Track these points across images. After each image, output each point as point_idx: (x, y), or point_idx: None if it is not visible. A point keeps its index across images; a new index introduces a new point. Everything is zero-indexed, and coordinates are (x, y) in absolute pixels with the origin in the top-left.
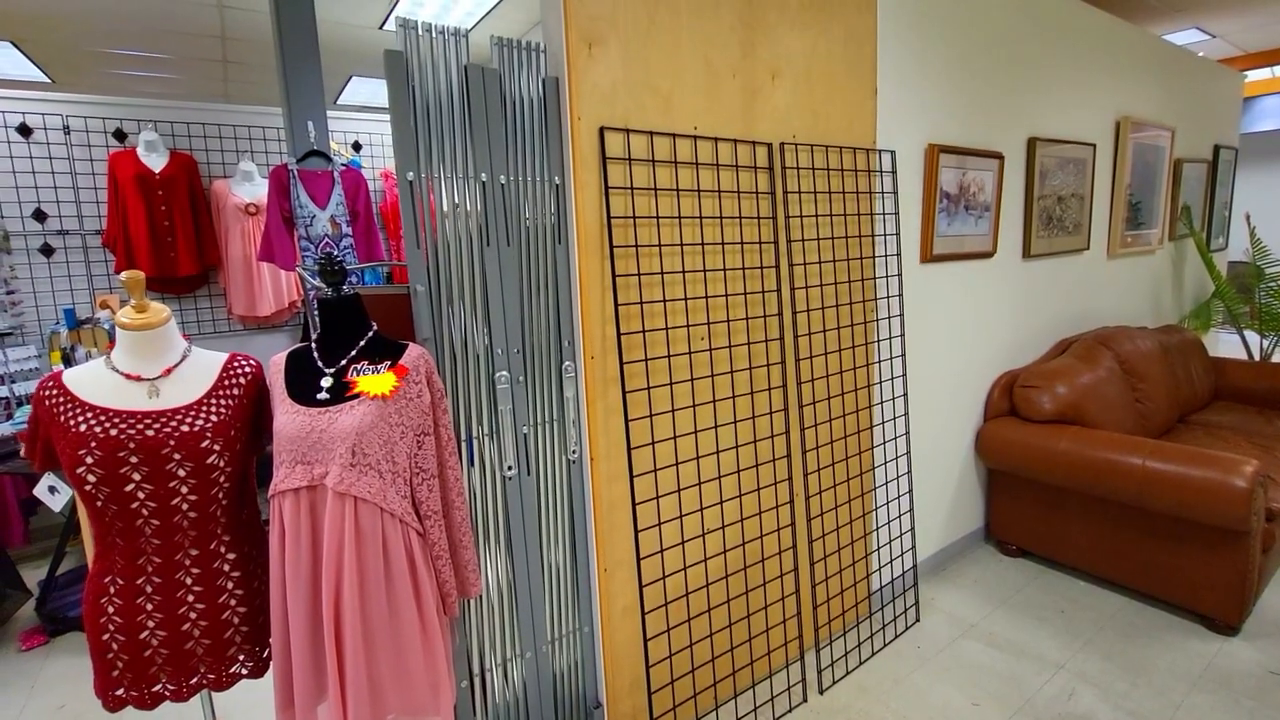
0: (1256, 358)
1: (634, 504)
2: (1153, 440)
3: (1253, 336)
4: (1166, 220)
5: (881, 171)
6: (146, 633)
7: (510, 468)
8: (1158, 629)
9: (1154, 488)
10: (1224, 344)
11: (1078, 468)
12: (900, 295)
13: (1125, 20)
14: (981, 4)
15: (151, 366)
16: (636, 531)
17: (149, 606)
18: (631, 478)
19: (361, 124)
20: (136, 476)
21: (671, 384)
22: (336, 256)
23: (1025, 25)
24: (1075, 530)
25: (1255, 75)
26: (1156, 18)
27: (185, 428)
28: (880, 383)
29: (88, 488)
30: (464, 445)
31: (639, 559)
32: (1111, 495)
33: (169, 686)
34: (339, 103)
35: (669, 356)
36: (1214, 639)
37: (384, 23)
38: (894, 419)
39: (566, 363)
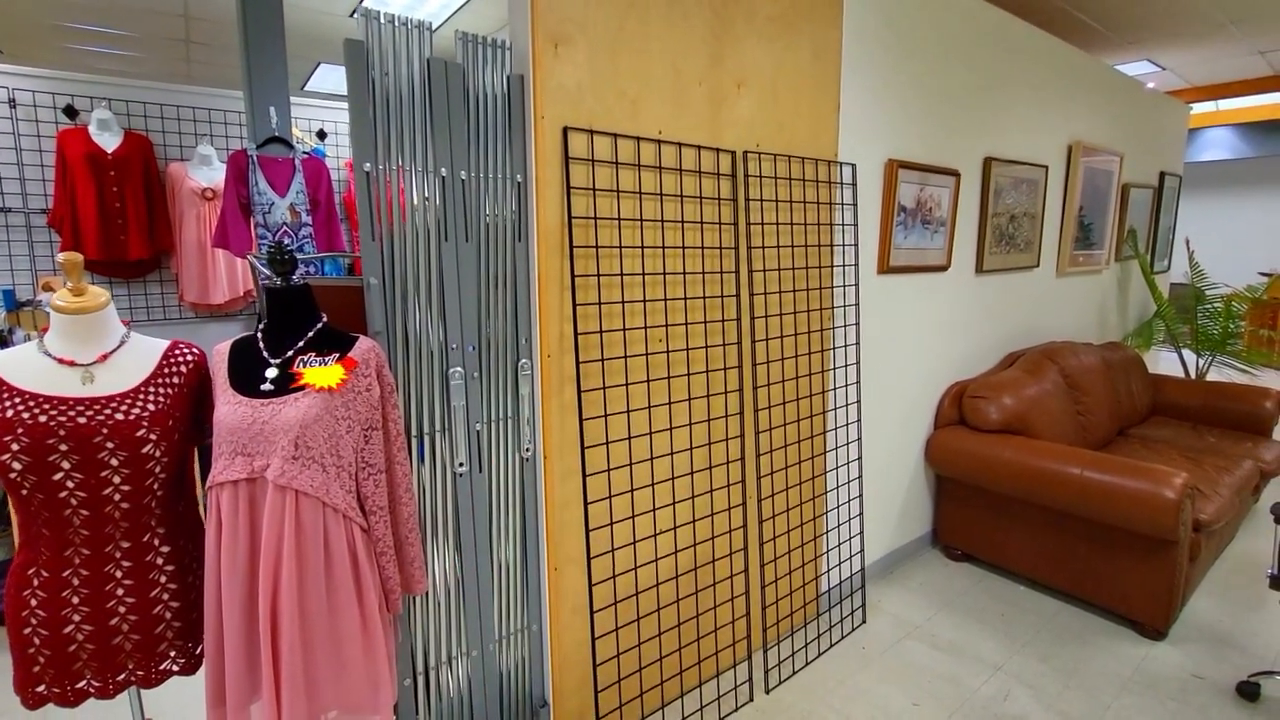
0: (1193, 376)
1: (586, 502)
2: (1091, 452)
3: (1190, 355)
4: (1114, 242)
5: (842, 184)
6: (71, 627)
7: (462, 464)
8: (1091, 633)
9: (1090, 497)
10: (1164, 362)
11: (1021, 476)
12: (857, 305)
13: (1080, 49)
14: (944, 25)
15: (86, 351)
16: (588, 530)
17: (75, 600)
18: (584, 476)
19: (328, 112)
20: (66, 465)
21: (627, 384)
22: (288, 245)
23: (985, 48)
24: (1018, 536)
25: (1200, 108)
26: (1110, 48)
27: (120, 416)
28: (835, 389)
29: (12, 475)
30: (415, 441)
31: (590, 557)
32: (1052, 504)
33: (94, 683)
34: (306, 89)
35: (626, 357)
36: (1143, 643)
37: (354, 11)
38: (847, 425)
39: (523, 360)
